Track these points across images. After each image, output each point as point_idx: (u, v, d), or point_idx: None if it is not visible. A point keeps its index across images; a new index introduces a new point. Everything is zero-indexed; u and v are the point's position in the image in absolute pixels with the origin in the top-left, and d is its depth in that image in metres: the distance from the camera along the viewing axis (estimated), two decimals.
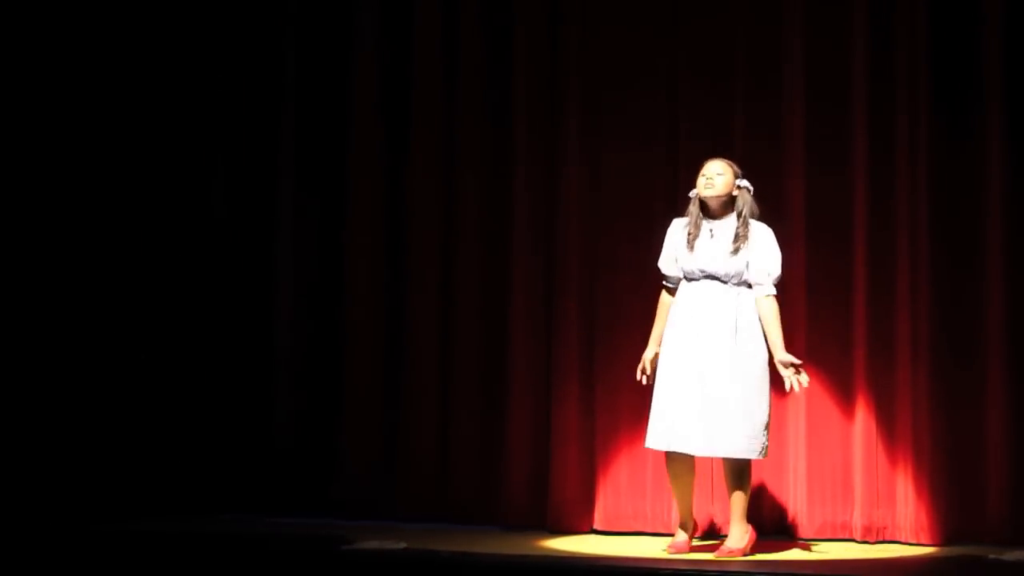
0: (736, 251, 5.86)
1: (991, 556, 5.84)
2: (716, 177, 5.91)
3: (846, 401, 6.39)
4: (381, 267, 7.10)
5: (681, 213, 6.09)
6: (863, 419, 6.33)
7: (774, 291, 5.88)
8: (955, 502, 6.24)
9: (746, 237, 5.87)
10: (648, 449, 6.04)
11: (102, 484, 6.99)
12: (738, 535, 5.89)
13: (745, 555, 5.87)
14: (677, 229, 6.00)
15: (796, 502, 6.42)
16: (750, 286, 5.88)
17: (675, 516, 6.12)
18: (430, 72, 7.05)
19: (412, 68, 7.08)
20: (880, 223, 6.37)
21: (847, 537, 6.33)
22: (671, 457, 5.90)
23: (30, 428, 7.05)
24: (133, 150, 7.32)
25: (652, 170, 6.68)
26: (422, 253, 7.01)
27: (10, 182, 7.18)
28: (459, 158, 6.99)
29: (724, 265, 5.86)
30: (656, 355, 5.97)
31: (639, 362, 6.04)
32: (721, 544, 5.97)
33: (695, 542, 6.12)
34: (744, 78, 6.61)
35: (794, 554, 6.05)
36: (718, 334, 5.82)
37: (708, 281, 5.88)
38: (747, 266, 5.86)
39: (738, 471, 5.86)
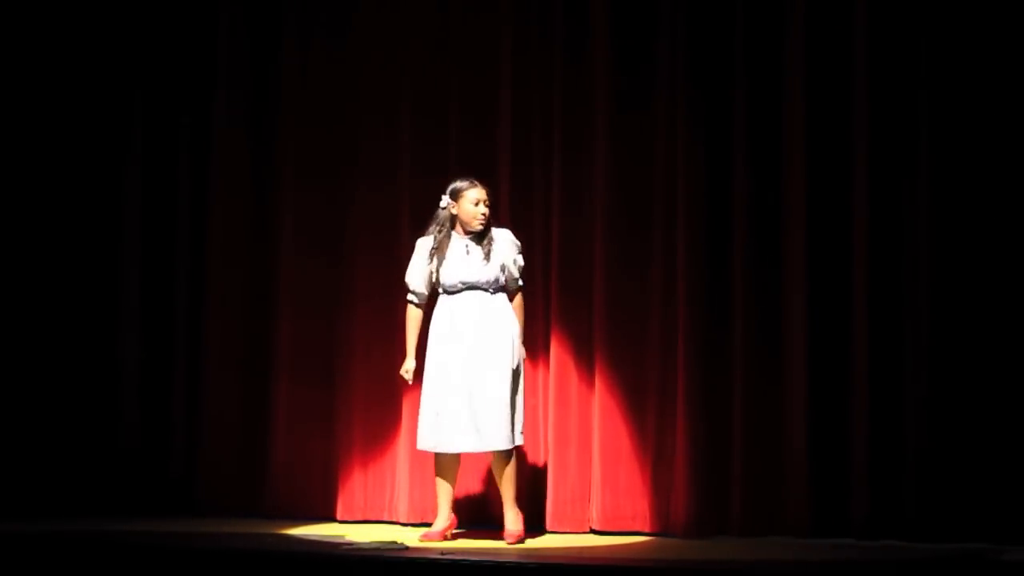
0: (488, 260, 6.33)
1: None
2: (487, 209, 6.37)
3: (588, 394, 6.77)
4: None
5: None
6: (604, 411, 6.71)
7: (522, 284, 6.44)
8: (702, 494, 6.48)
9: (491, 243, 6.36)
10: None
11: None
12: (513, 518, 6.29)
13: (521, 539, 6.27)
14: (427, 246, 6.41)
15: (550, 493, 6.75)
16: (503, 290, 6.34)
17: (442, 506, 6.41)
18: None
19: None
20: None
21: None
22: (441, 455, 6.32)
23: None
24: None
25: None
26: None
27: None
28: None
29: (483, 274, 6.30)
30: (415, 366, 6.39)
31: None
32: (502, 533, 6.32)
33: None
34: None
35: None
36: (485, 339, 6.26)
37: (470, 292, 6.30)
38: (502, 270, 6.34)
39: (509, 460, 6.26)
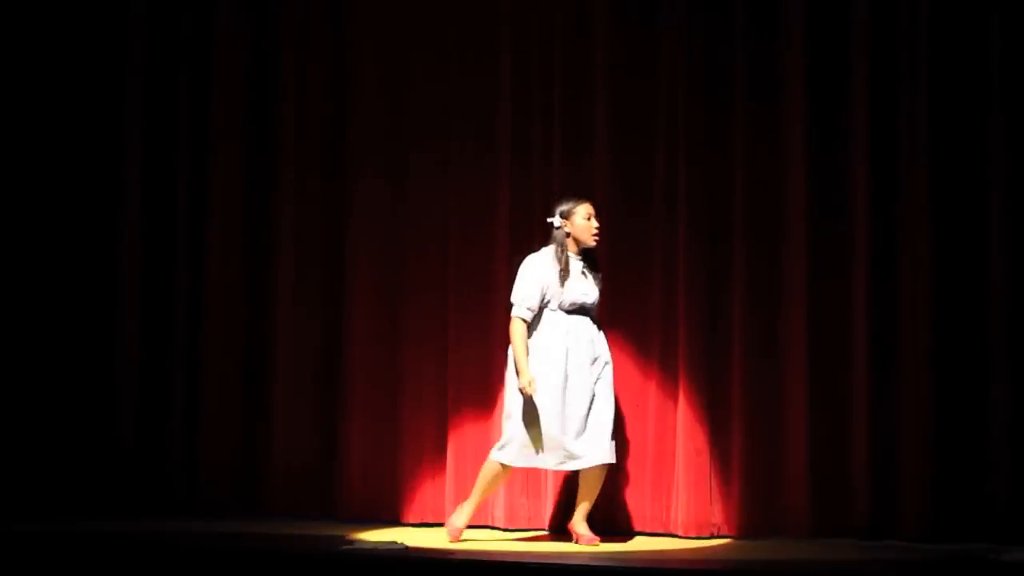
0: (598, 286, 6.44)
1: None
2: (598, 223, 6.40)
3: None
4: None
5: None
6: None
7: None
8: (702, 494, 6.51)
9: (599, 270, 6.48)
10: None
11: None
12: (586, 526, 6.33)
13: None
14: (545, 264, 6.35)
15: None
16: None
17: (466, 508, 6.40)
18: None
19: None
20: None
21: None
22: (505, 469, 6.34)
23: None
24: None
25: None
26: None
27: None
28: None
29: (593, 297, 6.41)
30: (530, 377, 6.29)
31: None
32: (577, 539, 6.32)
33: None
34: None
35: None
36: (596, 361, 6.33)
37: (580, 314, 6.35)
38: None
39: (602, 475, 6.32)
